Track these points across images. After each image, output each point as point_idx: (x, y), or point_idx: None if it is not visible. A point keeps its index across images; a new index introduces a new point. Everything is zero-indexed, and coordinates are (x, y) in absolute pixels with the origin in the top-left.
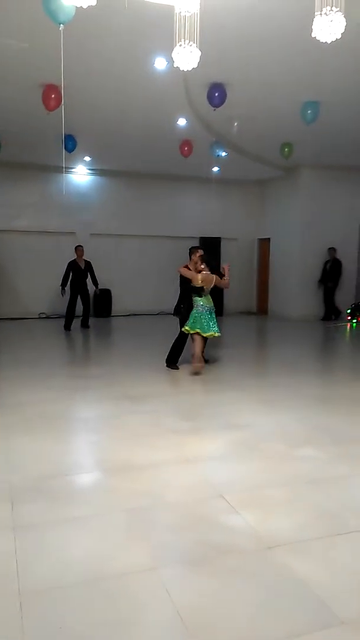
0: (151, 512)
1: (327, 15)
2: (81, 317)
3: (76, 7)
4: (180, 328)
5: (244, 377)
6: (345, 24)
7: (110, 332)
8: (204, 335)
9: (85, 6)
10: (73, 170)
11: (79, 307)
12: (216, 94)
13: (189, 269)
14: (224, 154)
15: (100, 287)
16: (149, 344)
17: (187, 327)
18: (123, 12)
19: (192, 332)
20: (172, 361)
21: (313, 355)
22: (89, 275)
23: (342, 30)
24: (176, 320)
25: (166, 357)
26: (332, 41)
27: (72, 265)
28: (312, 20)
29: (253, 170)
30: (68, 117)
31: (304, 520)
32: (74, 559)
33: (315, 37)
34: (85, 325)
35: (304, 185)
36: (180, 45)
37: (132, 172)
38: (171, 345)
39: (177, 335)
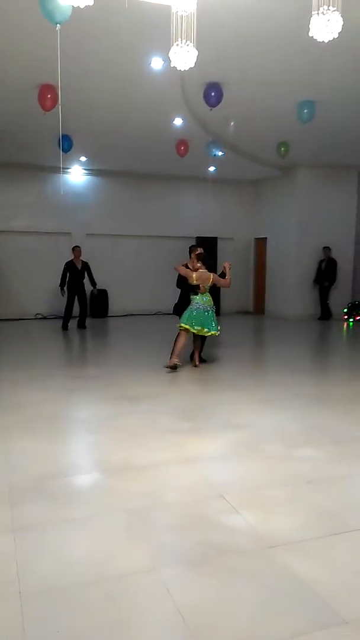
0: (151, 513)
1: (324, 14)
2: (78, 318)
3: (73, 7)
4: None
5: (242, 377)
6: (342, 23)
7: (107, 332)
8: (202, 334)
9: (82, 6)
10: (69, 170)
11: (77, 307)
12: (212, 94)
13: (189, 268)
14: (220, 153)
15: (97, 287)
16: (147, 344)
17: (181, 324)
18: (120, 11)
19: (182, 327)
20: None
21: (311, 355)
22: (86, 276)
23: (340, 30)
24: (175, 319)
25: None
26: (329, 40)
27: (69, 266)
28: (309, 20)
29: (249, 170)
30: (64, 117)
31: (304, 520)
32: (74, 559)
33: (312, 37)
34: (82, 325)
35: (300, 184)
36: (177, 45)
37: (128, 172)
38: (173, 345)
39: (176, 335)
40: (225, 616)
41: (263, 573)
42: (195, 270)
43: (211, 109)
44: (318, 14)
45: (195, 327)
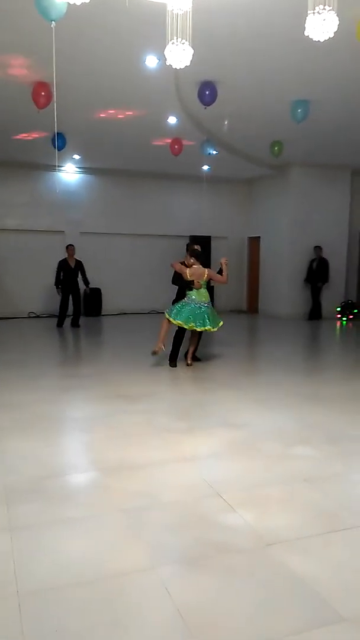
0: (148, 512)
1: (319, 13)
2: (71, 317)
3: (68, 3)
4: (177, 326)
5: (237, 376)
6: (337, 22)
7: (101, 331)
8: (198, 329)
9: (78, 3)
10: (62, 168)
11: (70, 305)
12: (207, 92)
13: (185, 265)
14: (214, 152)
15: (90, 286)
16: (141, 342)
17: (169, 317)
18: (115, 9)
19: (170, 318)
20: (172, 359)
21: (305, 354)
22: (79, 274)
23: (335, 29)
24: None
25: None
26: (324, 40)
27: (63, 265)
28: (305, 19)
29: (243, 169)
30: (57, 115)
31: (302, 518)
32: (72, 559)
33: (308, 36)
34: (75, 324)
35: (294, 183)
36: (173, 43)
37: (122, 171)
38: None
39: (174, 333)
40: (224, 614)
41: (261, 571)
42: (190, 266)
43: (206, 108)
44: (314, 13)
45: (177, 320)
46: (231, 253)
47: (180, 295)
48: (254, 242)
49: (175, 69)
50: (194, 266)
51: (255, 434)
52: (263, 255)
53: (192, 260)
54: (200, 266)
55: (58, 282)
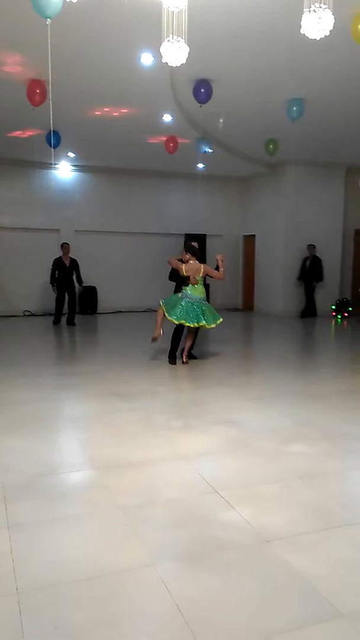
0: (146, 509)
1: (315, 12)
2: (67, 315)
3: (64, 1)
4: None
5: (232, 374)
6: (333, 20)
7: (97, 329)
8: (192, 325)
9: (74, 0)
10: (56, 166)
11: (67, 303)
12: (202, 90)
13: (182, 262)
14: (209, 150)
15: (85, 284)
16: (136, 341)
17: (164, 306)
18: (111, 7)
19: (164, 310)
20: (171, 356)
21: (300, 352)
22: (74, 273)
23: (331, 28)
24: None
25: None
26: (320, 38)
27: (57, 263)
28: (300, 17)
29: (238, 167)
30: (52, 113)
31: (299, 515)
32: (71, 556)
33: (303, 34)
34: (71, 322)
35: (288, 182)
36: (169, 41)
37: (117, 169)
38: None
39: (172, 331)
40: (223, 610)
41: (260, 567)
42: (185, 262)
43: (201, 106)
44: (309, 11)
45: (170, 317)
46: (226, 251)
47: (177, 292)
48: (249, 240)
49: (171, 66)
50: (190, 262)
51: (252, 431)
52: (258, 254)
53: (187, 256)
54: (196, 262)
55: (53, 280)
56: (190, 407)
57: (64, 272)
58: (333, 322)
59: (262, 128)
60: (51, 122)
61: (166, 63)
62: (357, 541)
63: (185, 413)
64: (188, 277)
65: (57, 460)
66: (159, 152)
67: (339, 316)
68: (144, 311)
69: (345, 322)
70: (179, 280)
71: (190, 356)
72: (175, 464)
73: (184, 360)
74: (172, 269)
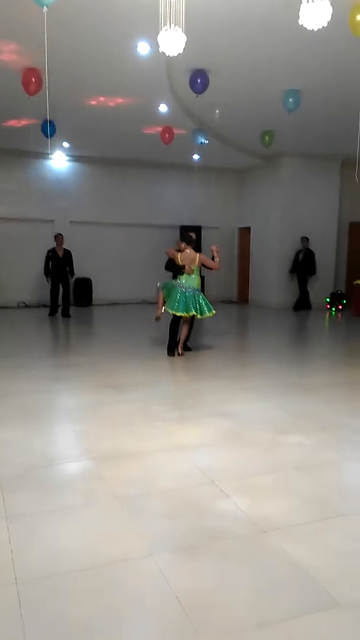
0: (143, 500)
1: (313, 2)
2: (61, 307)
3: None
4: (173, 315)
5: (228, 366)
6: (331, 11)
7: (92, 321)
8: (184, 315)
9: None
10: (51, 156)
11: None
12: (199, 80)
13: (179, 251)
14: (205, 141)
15: (80, 275)
16: (132, 332)
17: (162, 289)
18: None
19: (162, 293)
20: (170, 348)
21: (294, 344)
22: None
23: (329, 18)
24: None
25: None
26: (317, 29)
27: (52, 254)
28: (298, 7)
29: (234, 159)
30: (48, 102)
31: (295, 505)
32: (69, 547)
33: (300, 25)
34: (66, 314)
35: (284, 174)
36: (166, 30)
37: (112, 159)
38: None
39: (169, 323)
40: (222, 600)
41: (258, 557)
42: (182, 251)
43: (197, 96)
44: (308, 2)
45: (185, 312)
46: (222, 243)
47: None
48: (245, 233)
49: (167, 56)
50: (185, 251)
51: (248, 422)
52: (253, 246)
53: (183, 245)
54: (192, 251)
55: (47, 271)
56: (186, 398)
57: (58, 263)
58: (327, 315)
59: (258, 119)
60: (47, 111)
61: (163, 53)
62: (354, 532)
63: (182, 405)
64: (183, 267)
65: (53, 451)
66: (155, 143)
67: (333, 309)
68: (139, 303)
69: (340, 315)
70: (175, 270)
71: (185, 348)
72: (172, 455)
73: (180, 352)
74: (169, 258)
